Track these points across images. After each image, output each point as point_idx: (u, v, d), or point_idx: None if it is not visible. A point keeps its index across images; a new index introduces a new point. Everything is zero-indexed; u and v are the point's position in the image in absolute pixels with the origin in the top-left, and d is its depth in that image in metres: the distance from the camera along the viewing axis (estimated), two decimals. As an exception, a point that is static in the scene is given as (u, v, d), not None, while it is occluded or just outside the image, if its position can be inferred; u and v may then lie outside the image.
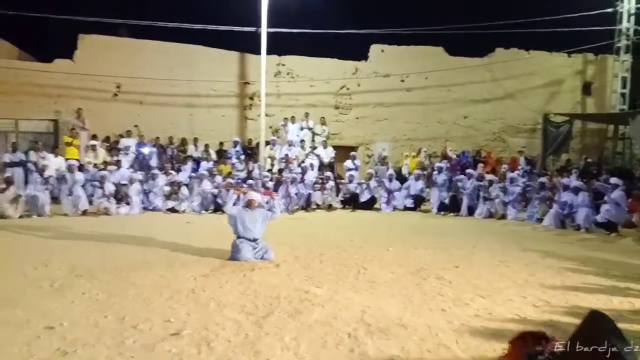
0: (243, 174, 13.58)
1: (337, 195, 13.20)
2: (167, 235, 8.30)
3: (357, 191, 13.05)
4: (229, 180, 12.20)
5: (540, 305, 4.86)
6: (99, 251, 7.01)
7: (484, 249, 7.83)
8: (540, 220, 10.95)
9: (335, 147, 15.86)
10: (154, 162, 13.67)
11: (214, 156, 14.64)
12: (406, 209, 12.93)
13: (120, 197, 11.39)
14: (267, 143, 15.23)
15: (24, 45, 16.64)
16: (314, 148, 15.33)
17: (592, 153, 17.72)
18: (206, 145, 14.99)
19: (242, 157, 14.81)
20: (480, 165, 14.04)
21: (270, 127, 15.90)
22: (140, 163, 13.64)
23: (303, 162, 14.30)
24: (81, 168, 12.08)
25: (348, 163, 14.23)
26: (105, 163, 13.03)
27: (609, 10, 16.59)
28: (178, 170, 13.19)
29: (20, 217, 10.25)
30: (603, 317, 1.75)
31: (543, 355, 1.78)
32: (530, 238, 9.23)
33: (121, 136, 14.37)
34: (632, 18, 16.71)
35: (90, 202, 11.35)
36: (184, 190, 12.00)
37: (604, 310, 4.80)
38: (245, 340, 3.77)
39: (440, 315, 4.47)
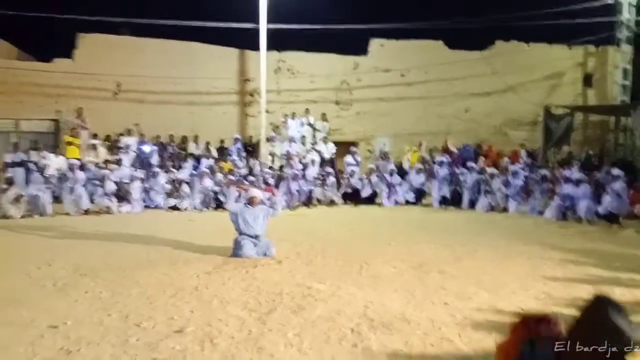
0: (244, 171, 13.57)
1: (338, 191, 13.19)
2: (169, 233, 8.32)
3: (359, 186, 13.05)
4: (230, 177, 12.21)
5: (542, 298, 4.87)
6: (102, 250, 7.03)
7: (486, 242, 7.83)
8: (541, 212, 10.93)
9: (335, 143, 15.84)
10: (155, 160, 13.67)
11: (214, 153, 14.64)
12: (407, 203, 12.93)
13: (122, 195, 11.40)
14: (268, 140, 15.22)
15: (24, 45, 16.65)
16: (315, 144, 15.31)
17: (594, 145, 17.66)
18: (207, 143, 15.00)
19: (243, 154, 14.81)
20: (482, 158, 14.01)
21: (271, 124, 15.88)
22: (142, 161, 13.64)
23: (304, 158, 14.29)
24: (82, 167, 12.09)
25: (349, 158, 14.22)
26: (107, 162, 13.04)
27: (610, 1, 16.50)
28: (179, 168, 13.19)
29: (22, 217, 10.27)
30: (609, 303, 1.74)
31: (546, 337, 1.77)
32: (532, 231, 9.23)
33: (122, 135, 14.37)
34: (633, 9, 16.62)
35: (92, 201, 11.36)
36: (185, 188, 12.01)
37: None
38: (249, 337, 3.78)
39: (443, 309, 4.47)
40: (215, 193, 11.83)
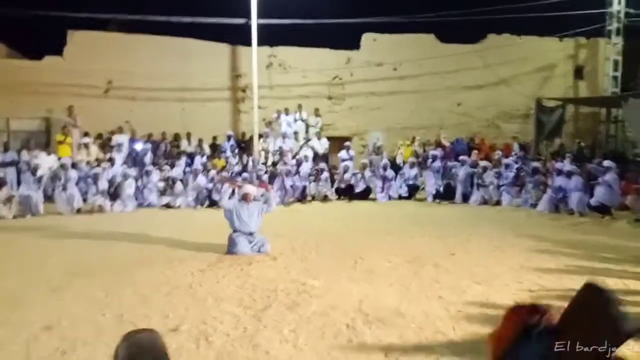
0: (237, 168, 13.54)
1: (332, 186, 13.20)
2: (163, 231, 8.29)
3: (352, 181, 13.06)
4: (224, 174, 12.18)
5: (536, 289, 4.91)
6: (96, 249, 7.00)
7: (480, 235, 7.88)
8: (534, 205, 11.00)
9: (329, 138, 15.81)
10: (148, 158, 13.60)
11: (207, 150, 14.58)
12: (401, 198, 12.96)
13: (115, 194, 11.35)
14: (261, 136, 15.18)
15: (13, 43, 16.44)
16: (308, 140, 15.29)
17: (586, 137, 17.76)
18: (199, 140, 14.92)
19: (236, 150, 14.75)
20: (475, 152, 14.06)
21: (264, 120, 15.82)
22: (134, 159, 13.57)
23: (297, 154, 14.27)
24: (74, 166, 12.01)
25: (342, 153, 14.22)
26: (98, 160, 12.96)
27: (600, -7, 16.57)
28: (172, 166, 13.14)
29: (15, 217, 10.19)
30: (602, 291, 1.75)
31: (539, 326, 1.78)
32: (525, 223, 9.29)
33: (113, 133, 14.28)
34: (623, 0, 16.68)
35: (84, 200, 11.30)
36: (179, 186, 11.97)
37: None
38: (244, 334, 3.79)
39: (437, 303, 4.50)
40: (209, 190, 11.80)
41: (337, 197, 13.03)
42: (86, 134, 13.91)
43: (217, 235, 7.20)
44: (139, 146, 13.95)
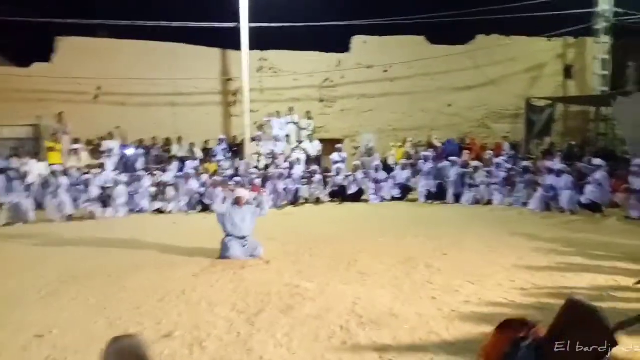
0: (230, 172, 13.50)
1: (325, 189, 13.20)
2: (155, 236, 8.25)
3: (345, 184, 13.07)
4: (216, 178, 12.14)
5: (528, 288, 4.94)
6: (87, 256, 6.94)
7: (472, 235, 7.91)
8: (525, 204, 11.08)
9: (321, 141, 15.85)
10: (140, 164, 13.53)
11: (199, 155, 14.53)
12: (393, 199, 12.99)
13: (105, 200, 11.28)
14: (253, 139, 15.15)
15: (1, 50, 16.31)
16: (300, 142, 15.29)
17: (575, 136, 17.91)
18: (191, 144, 14.88)
19: (228, 154, 14.72)
20: (466, 152, 14.13)
21: (255, 123, 15.80)
22: (125, 165, 13.49)
23: (289, 157, 14.27)
24: (65, 173, 11.91)
25: (334, 156, 14.23)
26: (89, 166, 12.87)
27: (587, -8, 16.71)
28: (163, 171, 13.08)
29: (5, 225, 10.09)
30: (582, 305, 1.89)
31: (527, 340, 1.86)
32: (517, 222, 9.34)
33: (103, 139, 14.19)
34: (611, 0, 16.84)
35: (76, 207, 11.21)
36: (170, 191, 11.91)
37: (589, 289, 4.88)
38: (238, 339, 3.77)
39: (430, 303, 4.51)
40: (201, 195, 11.76)
41: (329, 199, 13.04)
42: (76, 141, 13.81)
43: (209, 239, 7.17)
44: (130, 151, 13.87)
